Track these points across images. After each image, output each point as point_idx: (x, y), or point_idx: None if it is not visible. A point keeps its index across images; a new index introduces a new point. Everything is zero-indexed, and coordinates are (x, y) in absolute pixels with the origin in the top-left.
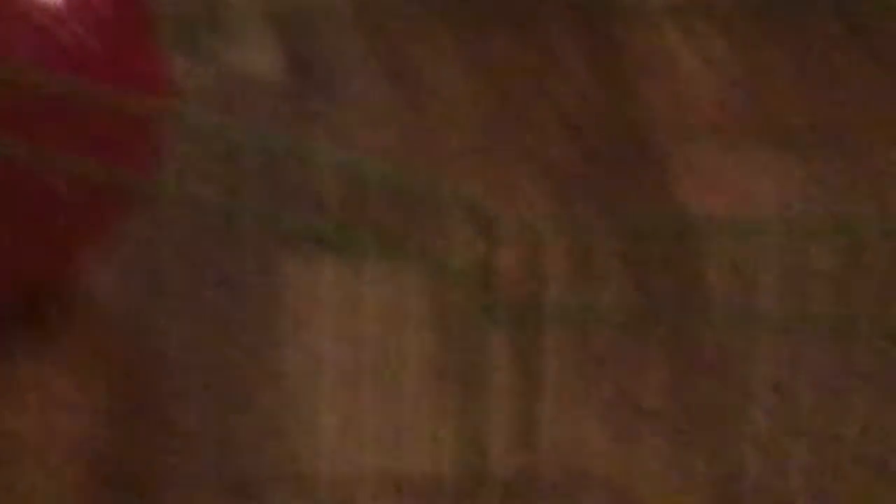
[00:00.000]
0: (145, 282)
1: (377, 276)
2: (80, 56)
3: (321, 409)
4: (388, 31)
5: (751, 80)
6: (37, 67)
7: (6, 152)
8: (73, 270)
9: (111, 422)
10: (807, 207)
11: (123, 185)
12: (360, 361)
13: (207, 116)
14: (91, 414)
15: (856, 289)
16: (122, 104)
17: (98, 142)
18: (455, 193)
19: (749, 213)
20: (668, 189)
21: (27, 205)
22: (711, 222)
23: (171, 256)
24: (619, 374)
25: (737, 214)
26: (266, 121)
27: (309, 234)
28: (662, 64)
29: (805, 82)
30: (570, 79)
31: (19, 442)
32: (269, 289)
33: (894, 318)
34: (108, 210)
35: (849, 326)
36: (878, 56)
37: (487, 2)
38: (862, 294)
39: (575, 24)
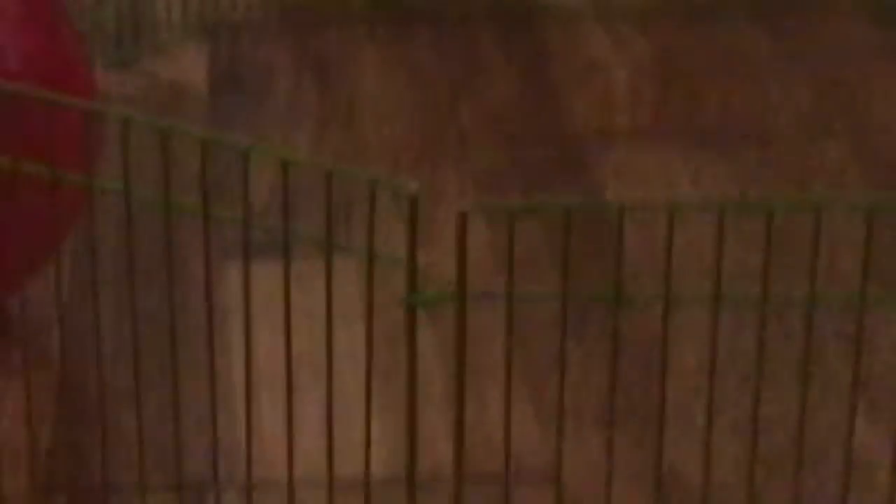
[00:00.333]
0: (84, 288)
1: (312, 276)
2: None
3: (262, 412)
4: (312, 39)
5: (671, 80)
6: None
7: None
8: (21, 281)
9: (55, 429)
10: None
11: (67, 185)
12: (298, 361)
13: (141, 115)
14: (35, 421)
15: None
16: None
17: (33, 143)
18: (383, 186)
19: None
20: (591, 185)
21: None
22: (632, 211)
23: (109, 262)
24: (551, 365)
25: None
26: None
27: (245, 238)
28: (585, 65)
29: (723, 81)
30: (493, 79)
31: None
32: (208, 292)
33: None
34: (58, 220)
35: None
36: (794, 56)
37: (411, 7)
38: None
39: (499, 25)
